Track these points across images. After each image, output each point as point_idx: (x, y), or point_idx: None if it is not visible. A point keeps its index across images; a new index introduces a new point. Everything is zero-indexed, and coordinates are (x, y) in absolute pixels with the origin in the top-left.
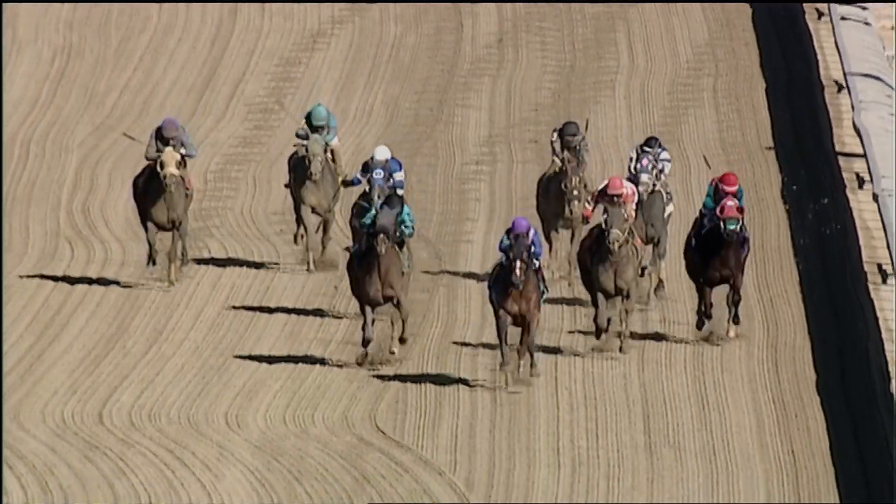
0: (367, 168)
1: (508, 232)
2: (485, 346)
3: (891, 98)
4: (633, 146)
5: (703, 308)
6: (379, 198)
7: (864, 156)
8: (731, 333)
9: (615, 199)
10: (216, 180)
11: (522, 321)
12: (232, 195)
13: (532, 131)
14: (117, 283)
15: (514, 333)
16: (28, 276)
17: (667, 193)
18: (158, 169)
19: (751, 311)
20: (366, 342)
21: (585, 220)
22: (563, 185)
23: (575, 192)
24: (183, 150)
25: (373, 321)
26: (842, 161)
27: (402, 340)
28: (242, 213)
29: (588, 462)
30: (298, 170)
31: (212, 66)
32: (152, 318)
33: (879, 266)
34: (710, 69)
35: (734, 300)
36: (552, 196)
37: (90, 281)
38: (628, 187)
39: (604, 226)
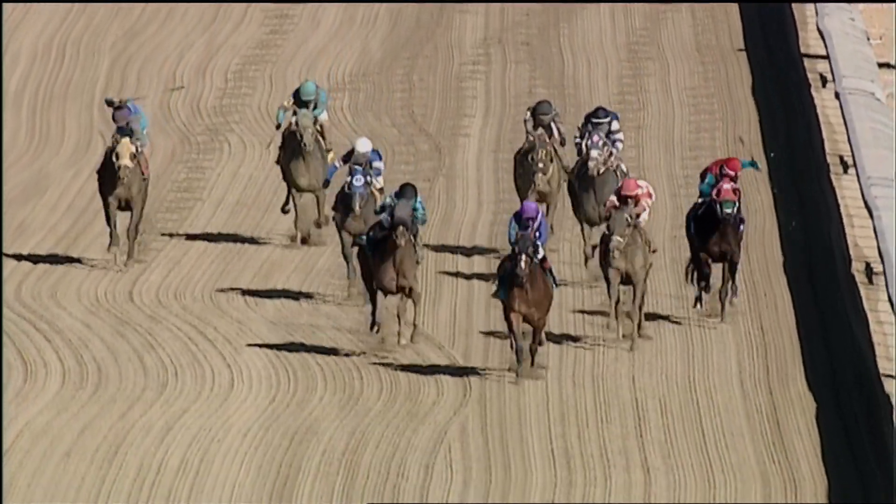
0: (348, 158)
1: (517, 216)
2: (481, 250)
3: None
4: (583, 127)
5: (702, 283)
6: (360, 206)
7: (827, 57)
8: (727, 307)
9: (628, 199)
10: (235, 80)
11: (531, 321)
12: (250, 93)
13: (524, 34)
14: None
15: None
16: (65, 167)
17: (622, 173)
18: (114, 160)
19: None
20: (373, 326)
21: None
22: (529, 158)
23: (541, 165)
24: (138, 143)
25: (381, 308)
26: (807, 62)
27: (414, 325)
28: (259, 109)
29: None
30: (288, 144)
31: None
32: (177, 205)
33: (841, 158)
34: None
35: (731, 274)
36: (525, 170)
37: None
38: (644, 186)
39: (606, 231)
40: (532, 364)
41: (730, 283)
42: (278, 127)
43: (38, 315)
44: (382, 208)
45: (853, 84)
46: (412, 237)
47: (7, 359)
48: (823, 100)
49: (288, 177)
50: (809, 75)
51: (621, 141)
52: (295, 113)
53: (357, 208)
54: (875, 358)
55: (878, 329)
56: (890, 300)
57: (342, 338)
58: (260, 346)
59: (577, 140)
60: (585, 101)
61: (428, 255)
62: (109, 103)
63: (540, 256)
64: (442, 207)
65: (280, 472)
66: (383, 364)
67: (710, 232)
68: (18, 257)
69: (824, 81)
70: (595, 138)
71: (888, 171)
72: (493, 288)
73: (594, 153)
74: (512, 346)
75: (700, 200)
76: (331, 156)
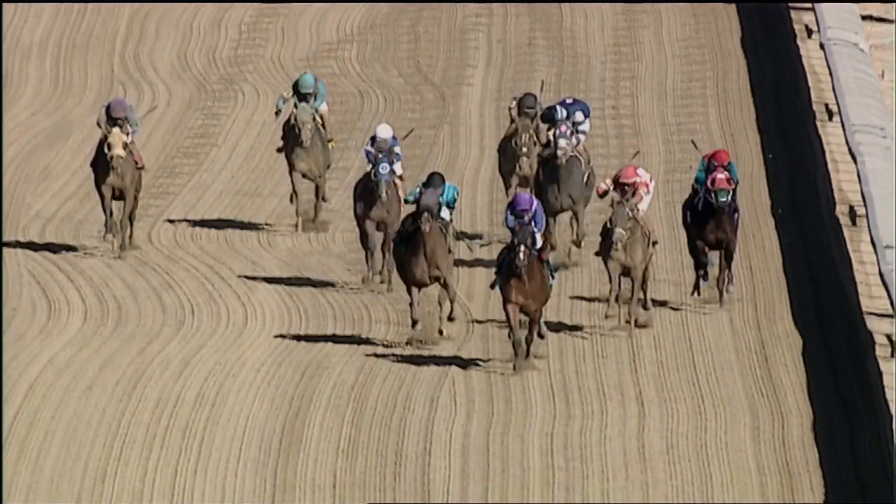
0: (373, 143)
1: (512, 207)
2: (483, 192)
3: None
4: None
5: (700, 271)
6: (386, 193)
7: (813, 9)
8: (725, 295)
9: (626, 187)
10: (249, 31)
11: (528, 311)
12: (263, 44)
13: None
14: (163, 122)
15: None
16: (87, 114)
17: (587, 164)
18: (106, 150)
19: (715, 145)
20: (414, 324)
21: (599, 195)
22: (513, 143)
23: (524, 149)
24: (129, 129)
25: (419, 302)
26: (793, 14)
27: (450, 319)
28: (272, 59)
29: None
30: (289, 137)
31: None
32: (194, 150)
33: (826, 106)
34: None
35: (727, 261)
36: (508, 155)
37: (140, 118)
38: (643, 175)
39: (609, 224)
40: (528, 355)
41: (726, 271)
42: (277, 114)
43: (62, 256)
44: (406, 202)
45: (838, 35)
46: (443, 227)
47: (32, 297)
48: (809, 50)
49: (290, 162)
50: (796, 27)
51: (585, 133)
52: (295, 105)
53: (384, 194)
54: (858, 296)
55: (860, 269)
56: (872, 241)
57: (352, 277)
58: (273, 284)
59: (510, 106)
60: (582, 52)
61: None
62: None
63: (538, 247)
64: (446, 153)
65: (292, 405)
66: (391, 302)
67: (706, 221)
68: (43, 200)
69: (810, 33)
70: (563, 128)
71: (871, 119)
72: (493, 278)
73: (562, 142)
74: (510, 337)
75: (695, 188)
76: (331, 145)
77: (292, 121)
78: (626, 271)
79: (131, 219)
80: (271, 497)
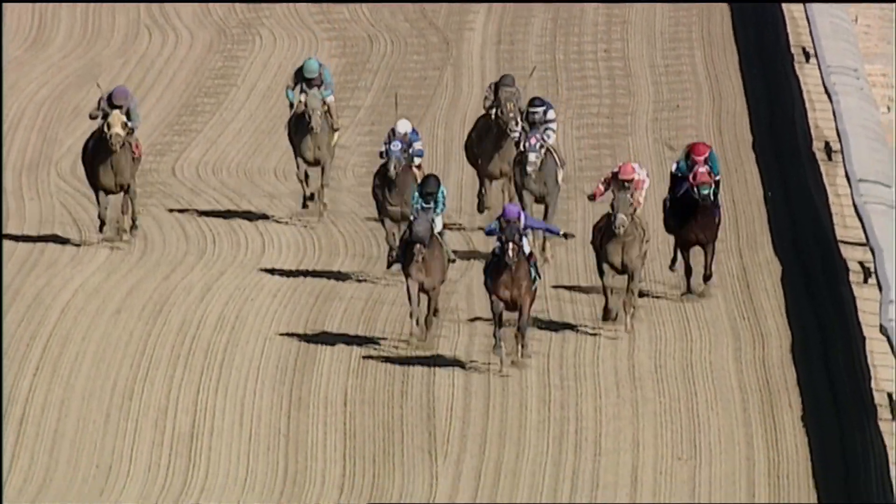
0: (393, 135)
1: (499, 218)
2: None
3: None
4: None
5: (677, 266)
6: (395, 169)
7: None
8: (702, 289)
9: (626, 183)
10: None
11: (515, 305)
12: None
13: None
14: (186, 64)
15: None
16: (114, 56)
17: (559, 158)
18: (105, 130)
19: (700, 85)
20: (414, 319)
21: (592, 198)
22: (500, 112)
23: (511, 115)
24: (127, 120)
25: (419, 302)
26: None
27: (435, 313)
28: (288, 6)
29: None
30: (298, 125)
31: None
32: (215, 90)
33: (804, 49)
34: None
35: (707, 259)
36: (485, 143)
37: (165, 61)
38: (640, 173)
39: (611, 210)
40: (522, 350)
41: (709, 266)
42: (292, 106)
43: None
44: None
45: None
46: (439, 241)
47: (64, 227)
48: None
49: (296, 150)
50: None
51: (553, 130)
52: (303, 91)
53: (392, 170)
54: (833, 226)
55: (836, 201)
56: (846, 175)
57: (362, 211)
58: (288, 215)
59: (486, 94)
60: None
61: (438, 133)
62: (107, 102)
63: (527, 251)
64: (449, 93)
65: (306, 328)
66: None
67: (686, 218)
68: (74, 136)
69: None
70: (532, 141)
71: (845, 61)
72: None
73: (532, 157)
74: (495, 331)
75: (674, 176)
76: (337, 135)
77: (300, 108)
78: (622, 269)
79: (133, 210)
80: (287, 413)
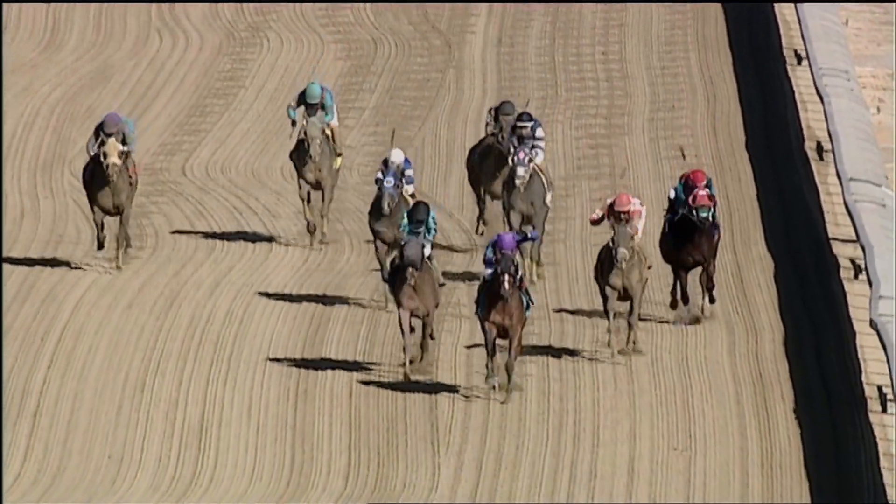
0: (385, 165)
1: (493, 245)
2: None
3: None
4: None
5: (678, 290)
6: (389, 206)
7: None
8: (707, 313)
9: (622, 215)
10: None
11: (506, 334)
12: None
13: None
14: (196, 66)
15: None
16: (126, 58)
17: (548, 181)
18: (102, 159)
19: (695, 87)
20: (406, 351)
21: (592, 223)
22: (499, 139)
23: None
24: (124, 147)
25: (412, 330)
26: None
27: (431, 338)
28: (294, 9)
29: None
30: (300, 150)
31: None
32: (223, 92)
33: (796, 51)
34: None
35: (708, 283)
36: (482, 156)
37: (175, 63)
38: (636, 203)
39: (611, 244)
40: (509, 383)
41: (707, 290)
42: (294, 124)
43: None
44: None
45: None
46: (429, 266)
47: (77, 225)
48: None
49: (298, 172)
50: None
51: (542, 149)
52: (305, 115)
53: (386, 207)
54: (825, 224)
55: (827, 199)
56: (838, 174)
57: (366, 206)
58: (294, 213)
59: (487, 121)
60: (575, 2)
61: (440, 134)
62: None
63: (519, 276)
64: (451, 95)
65: (312, 322)
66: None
67: (684, 242)
68: (87, 137)
69: None
70: (521, 155)
71: (837, 63)
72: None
73: (521, 171)
74: (487, 359)
75: (672, 203)
76: (339, 161)
77: (301, 134)
78: (623, 295)
79: (126, 235)
80: (294, 404)
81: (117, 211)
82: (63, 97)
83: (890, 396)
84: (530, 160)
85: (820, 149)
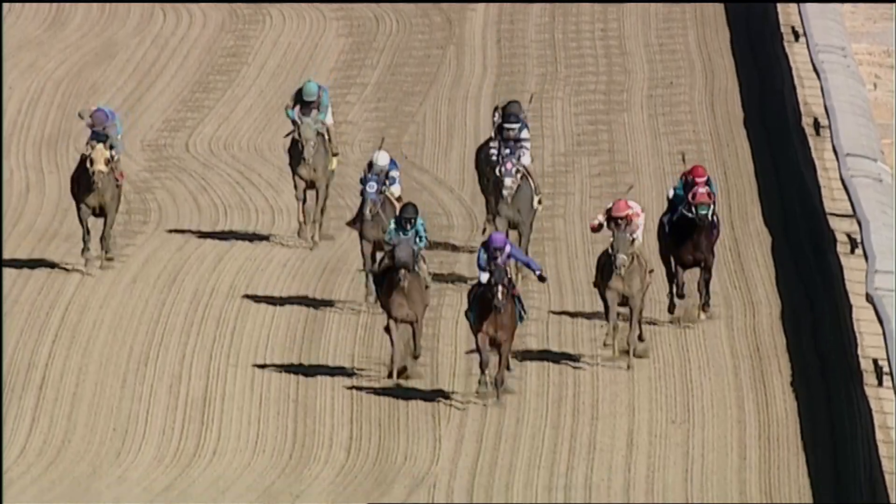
0: (370, 168)
1: (486, 246)
2: (485, 109)
3: None
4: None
5: (674, 290)
6: (371, 213)
7: None
8: (703, 316)
9: (619, 220)
10: None
11: (497, 344)
12: None
13: None
14: (199, 43)
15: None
16: (130, 35)
17: (535, 184)
18: (88, 165)
19: (693, 63)
20: (393, 360)
21: (592, 230)
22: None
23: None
24: (112, 152)
25: (399, 338)
26: None
27: (415, 357)
28: None
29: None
30: (294, 150)
31: None
32: (226, 68)
33: (793, 28)
34: None
35: (705, 282)
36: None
37: (178, 40)
38: (634, 208)
39: (610, 250)
40: (500, 389)
41: (704, 291)
42: (294, 124)
43: None
44: (386, 243)
45: None
46: (417, 269)
47: None
48: None
49: (293, 171)
50: None
51: (527, 149)
52: (300, 119)
53: (368, 213)
54: (821, 198)
55: (823, 174)
56: (834, 149)
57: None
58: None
59: (494, 120)
60: None
61: (441, 109)
62: (81, 116)
63: (513, 285)
64: (452, 71)
65: (314, 296)
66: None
67: (683, 240)
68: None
69: None
70: (508, 165)
71: (833, 40)
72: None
73: (508, 181)
74: (481, 367)
75: (673, 202)
76: (335, 161)
77: (295, 136)
78: (623, 301)
79: (109, 237)
80: (296, 378)
81: (101, 211)
82: (68, 74)
83: (886, 370)
84: (517, 171)
85: (817, 125)
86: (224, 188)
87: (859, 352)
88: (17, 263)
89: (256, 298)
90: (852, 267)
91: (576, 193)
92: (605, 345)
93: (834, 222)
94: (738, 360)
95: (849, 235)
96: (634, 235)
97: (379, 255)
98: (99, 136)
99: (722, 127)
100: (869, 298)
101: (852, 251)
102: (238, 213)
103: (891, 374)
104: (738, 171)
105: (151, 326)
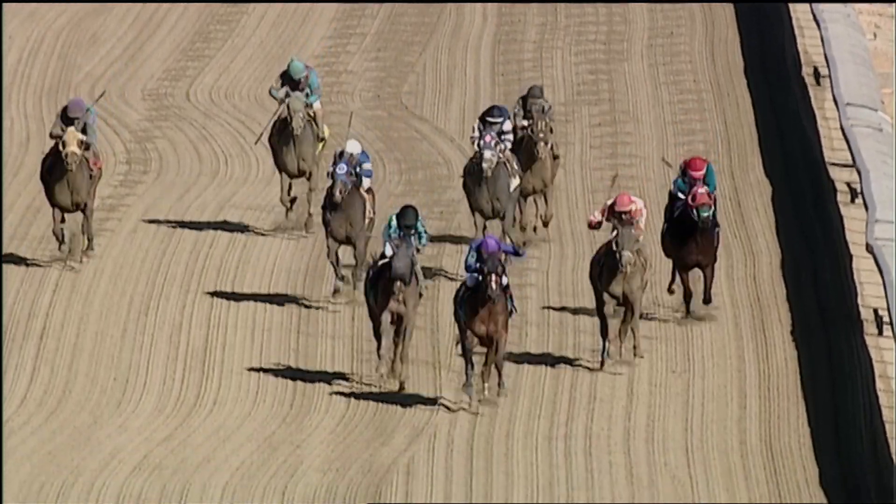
0: (340, 157)
1: (478, 250)
2: (485, 62)
3: None
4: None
5: (683, 295)
6: (341, 194)
7: None
8: (702, 312)
9: (623, 215)
10: None
11: (490, 341)
12: None
13: None
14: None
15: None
16: None
17: (511, 167)
18: (60, 148)
19: (693, 13)
20: (381, 358)
21: (590, 226)
22: (531, 130)
23: (541, 135)
24: (84, 137)
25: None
26: None
27: (401, 360)
28: None
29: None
30: (281, 133)
31: None
32: (227, 18)
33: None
34: None
35: (706, 283)
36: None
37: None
38: (637, 202)
39: (615, 247)
40: (499, 389)
41: (709, 290)
42: (281, 103)
43: (108, 112)
44: (382, 256)
45: None
46: (415, 278)
47: None
48: None
49: (278, 162)
50: None
51: (510, 140)
52: (287, 94)
53: (338, 194)
54: (821, 148)
55: (823, 123)
56: (834, 99)
57: (369, 134)
58: None
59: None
60: None
61: (441, 59)
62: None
63: (505, 282)
64: (452, 20)
65: (315, 246)
66: (402, 152)
67: (685, 241)
68: (92, 63)
69: None
70: (487, 138)
71: None
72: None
73: (487, 154)
74: (466, 368)
75: (674, 195)
76: (322, 145)
77: (282, 113)
78: (622, 300)
79: (89, 228)
80: (297, 327)
81: (77, 208)
82: (68, 23)
83: (886, 319)
84: (496, 143)
85: (817, 74)
86: (225, 137)
87: (859, 301)
88: (18, 212)
89: (257, 247)
90: (852, 216)
91: (576, 143)
92: (604, 353)
93: (834, 172)
94: (738, 310)
95: (849, 185)
96: (639, 224)
97: (342, 250)
98: (70, 122)
99: (722, 77)
100: (869, 248)
101: (852, 201)
102: (239, 161)
103: (891, 323)
104: (738, 120)
105: (152, 276)
